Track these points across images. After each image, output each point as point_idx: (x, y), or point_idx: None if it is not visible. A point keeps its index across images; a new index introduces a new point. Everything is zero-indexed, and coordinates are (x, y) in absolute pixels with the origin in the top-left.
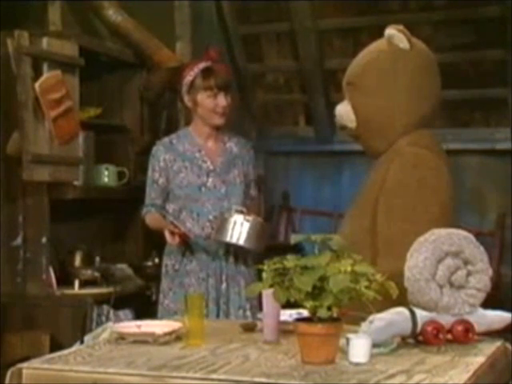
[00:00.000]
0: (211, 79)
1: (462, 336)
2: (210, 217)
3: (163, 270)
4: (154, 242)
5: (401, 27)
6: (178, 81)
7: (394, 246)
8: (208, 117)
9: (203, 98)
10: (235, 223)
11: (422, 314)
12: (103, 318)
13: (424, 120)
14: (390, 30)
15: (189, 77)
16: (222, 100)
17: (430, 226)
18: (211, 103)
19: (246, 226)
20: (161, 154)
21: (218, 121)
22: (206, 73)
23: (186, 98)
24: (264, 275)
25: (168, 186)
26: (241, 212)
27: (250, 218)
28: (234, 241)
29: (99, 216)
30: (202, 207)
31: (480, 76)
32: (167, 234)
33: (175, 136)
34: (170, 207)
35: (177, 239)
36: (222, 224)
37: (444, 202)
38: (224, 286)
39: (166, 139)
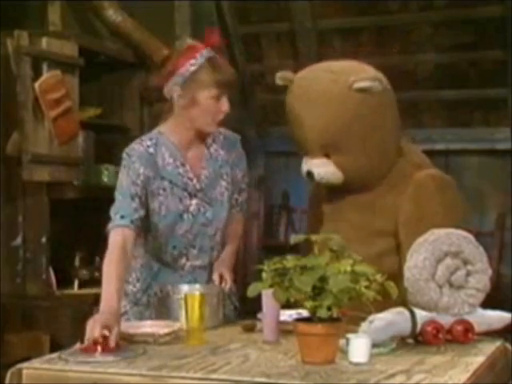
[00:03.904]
0: (217, 73)
1: (462, 336)
2: (186, 245)
3: (125, 287)
4: None
5: (373, 73)
6: (167, 67)
7: None
8: (203, 122)
9: (205, 97)
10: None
11: (421, 314)
12: None
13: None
14: (360, 84)
15: (190, 66)
16: (225, 104)
17: None
18: (213, 106)
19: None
20: (139, 168)
21: (212, 128)
22: (212, 64)
23: (179, 93)
24: (264, 275)
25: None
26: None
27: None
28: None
29: (99, 216)
30: (181, 238)
31: (480, 76)
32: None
33: (150, 143)
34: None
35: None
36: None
37: (463, 211)
38: None
39: (140, 148)
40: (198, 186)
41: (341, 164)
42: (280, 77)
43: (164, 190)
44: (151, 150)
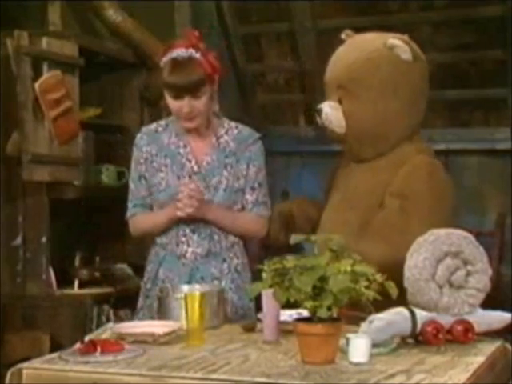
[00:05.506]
0: (171, 76)
1: (462, 336)
2: (187, 230)
3: (142, 283)
4: None
5: (406, 38)
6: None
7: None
8: (176, 117)
9: (166, 94)
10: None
11: (421, 314)
12: (103, 318)
13: (418, 126)
14: (394, 41)
15: (162, 62)
16: (185, 105)
17: None
18: (174, 105)
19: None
20: (143, 145)
21: (186, 124)
22: (173, 67)
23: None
24: (264, 275)
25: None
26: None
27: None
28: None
29: (99, 216)
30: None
31: (480, 76)
32: (178, 208)
33: (163, 123)
34: None
35: (194, 202)
36: (166, 307)
37: (451, 210)
38: None
39: (151, 126)
40: (195, 168)
41: (348, 113)
42: (346, 33)
43: (166, 166)
44: (160, 128)
